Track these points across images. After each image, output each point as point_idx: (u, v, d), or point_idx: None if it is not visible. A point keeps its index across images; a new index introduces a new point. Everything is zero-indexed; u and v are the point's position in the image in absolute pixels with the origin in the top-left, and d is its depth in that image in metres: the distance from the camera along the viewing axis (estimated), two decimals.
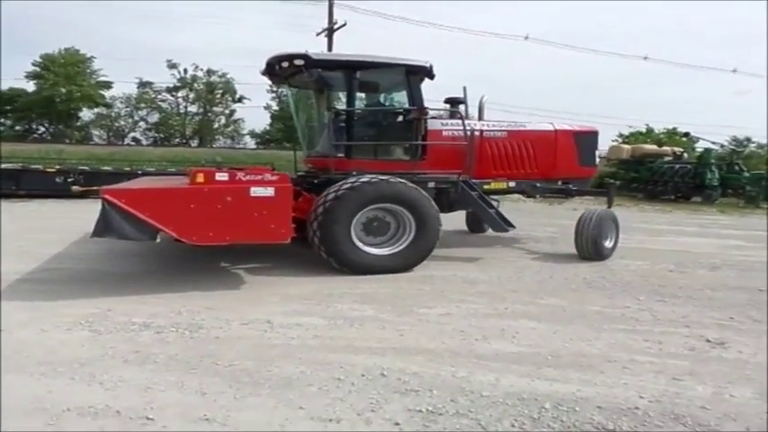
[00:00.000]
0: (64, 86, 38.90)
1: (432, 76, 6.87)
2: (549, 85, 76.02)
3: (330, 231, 5.67)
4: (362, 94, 7.41)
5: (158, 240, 4.77)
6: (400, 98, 7.39)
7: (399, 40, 58.44)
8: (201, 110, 49.95)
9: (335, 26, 25.16)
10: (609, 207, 7.87)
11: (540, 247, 8.04)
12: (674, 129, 33.07)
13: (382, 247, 6.03)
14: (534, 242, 8.62)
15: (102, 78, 43.65)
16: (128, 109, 47.88)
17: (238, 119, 51.50)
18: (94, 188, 19.09)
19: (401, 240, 6.06)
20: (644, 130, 35.60)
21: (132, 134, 49.09)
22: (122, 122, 48.76)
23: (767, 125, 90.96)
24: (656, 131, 35.05)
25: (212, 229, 4.82)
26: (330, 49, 25.42)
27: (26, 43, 71.88)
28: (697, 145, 25.26)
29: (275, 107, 51.77)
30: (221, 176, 4.94)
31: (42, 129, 44.16)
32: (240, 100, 50.04)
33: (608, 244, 7.19)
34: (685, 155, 23.41)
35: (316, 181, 6.78)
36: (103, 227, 4.53)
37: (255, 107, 71.03)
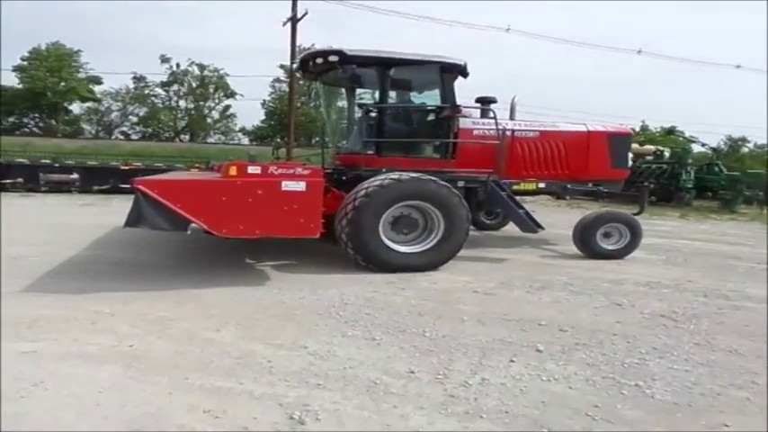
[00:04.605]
0: (43, 80, 38.81)
1: (465, 75, 6.73)
2: (551, 84, 73.85)
3: (359, 228, 5.58)
4: (393, 92, 7.18)
5: (189, 232, 4.69)
6: (431, 96, 7.24)
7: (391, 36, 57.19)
8: (192, 105, 49.56)
9: (299, 16, 24.08)
10: (640, 212, 7.69)
11: None
12: (672, 128, 30.96)
13: (410, 245, 5.95)
14: None
15: (91, 72, 43.63)
16: (118, 104, 47.79)
17: (230, 114, 51.04)
18: (7, 181, 18.26)
19: (429, 239, 5.99)
20: (637, 129, 33.55)
21: (122, 128, 49.06)
22: (112, 117, 48.74)
23: (767, 123, 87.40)
24: (652, 130, 32.96)
25: (243, 222, 4.80)
26: (294, 39, 24.46)
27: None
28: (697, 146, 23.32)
29: (271, 103, 51.23)
30: (253, 170, 4.94)
31: (32, 123, 44.28)
32: (233, 95, 49.56)
33: (608, 246, 7.12)
34: (666, 154, 21.62)
35: (344, 178, 6.60)
36: (136, 217, 4.53)
37: (249, 101, 70.15)
